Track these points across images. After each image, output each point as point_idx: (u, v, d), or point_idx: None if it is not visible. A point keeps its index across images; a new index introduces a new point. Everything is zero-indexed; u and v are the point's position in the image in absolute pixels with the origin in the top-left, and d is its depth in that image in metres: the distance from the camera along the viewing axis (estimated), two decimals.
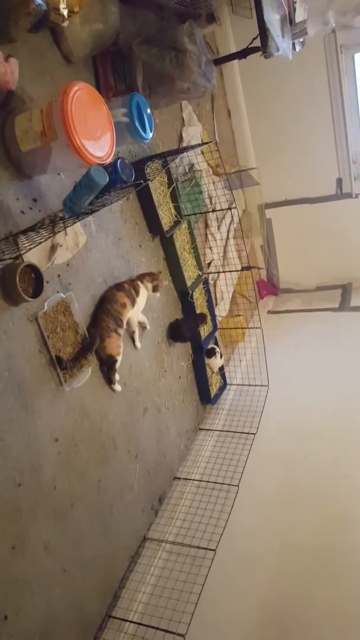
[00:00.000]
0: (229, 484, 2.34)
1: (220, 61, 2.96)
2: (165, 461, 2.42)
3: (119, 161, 1.58)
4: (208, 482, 2.42)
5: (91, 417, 1.83)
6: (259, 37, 2.40)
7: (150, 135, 1.90)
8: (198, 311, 2.74)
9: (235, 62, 3.34)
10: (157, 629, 1.76)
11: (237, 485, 2.31)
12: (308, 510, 2.27)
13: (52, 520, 1.59)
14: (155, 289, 2.18)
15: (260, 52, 2.48)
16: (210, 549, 2.01)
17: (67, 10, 1.53)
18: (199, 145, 2.57)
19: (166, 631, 1.73)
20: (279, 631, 1.83)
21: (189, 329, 2.60)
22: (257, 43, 2.46)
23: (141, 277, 2.16)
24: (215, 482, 2.40)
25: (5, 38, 1.50)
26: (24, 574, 1.46)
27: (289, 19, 2.60)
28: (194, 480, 2.48)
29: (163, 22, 2.50)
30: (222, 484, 2.37)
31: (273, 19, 2.38)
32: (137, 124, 1.81)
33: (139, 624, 1.83)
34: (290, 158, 3.73)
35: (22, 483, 1.47)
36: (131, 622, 1.85)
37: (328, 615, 1.86)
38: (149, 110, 1.91)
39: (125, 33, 2.05)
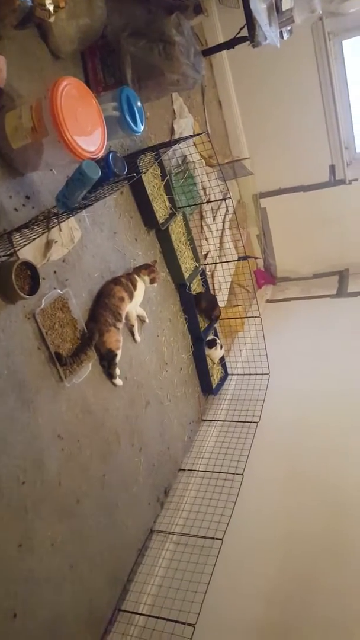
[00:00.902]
0: (234, 473, 2.36)
1: (208, 52, 2.94)
2: (169, 453, 2.43)
3: (110, 155, 1.58)
4: (213, 472, 2.44)
5: (93, 412, 1.84)
6: (246, 26, 2.38)
7: (142, 128, 1.89)
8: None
9: (224, 52, 3.33)
10: (167, 620, 1.78)
11: (242, 474, 2.32)
12: (313, 497, 2.28)
13: (57, 517, 1.60)
14: (152, 281, 2.18)
15: (248, 42, 2.46)
16: (217, 539, 2.03)
17: (53, 5, 1.52)
18: (191, 136, 2.56)
19: (176, 622, 1.75)
20: (287, 618, 1.85)
21: (207, 299, 2.73)
22: (245, 33, 2.45)
23: (137, 270, 2.16)
24: (219, 472, 2.41)
25: None
26: (31, 571, 1.47)
27: (275, 8, 2.57)
28: (198, 471, 2.49)
29: (150, 14, 2.48)
30: (227, 473, 2.39)
31: (260, 8, 2.36)
32: (127, 117, 1.80)
33: (149, 615, 1.85)
34: (283, 146, 3.72)
35: (26, 481, 1.47)
36: (141, 614, 1.86)
37: (335, 602, 1.87)
38: (139, 103, 1.90)
39: (112, 27, 2.04)
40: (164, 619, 1.79)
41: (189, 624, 1.71)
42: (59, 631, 1.56)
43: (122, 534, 1.96)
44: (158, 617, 1.81)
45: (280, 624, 1.83)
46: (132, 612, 1.87)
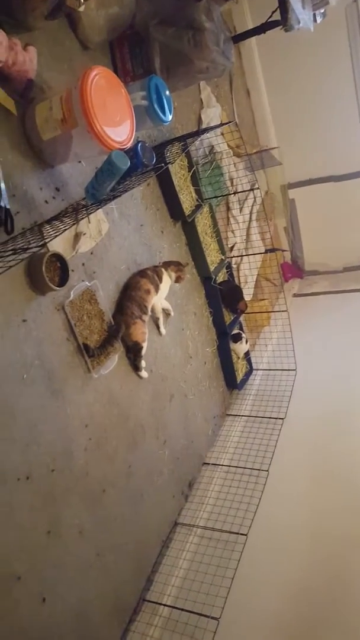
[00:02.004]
0: (259, 469, 2.34)
1: (238, 38, 2.88)
2: (194, 447, 2.43)
3: (139, 145, 1.56)
4: (237, 467, 2.42)
5: (119, 404, 1.84)
6: (278, 10, 2.32)
7: (170, 117, 1.87)
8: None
9: (253, 39, 3.26)
10: (192, 612, 1.78)
11: (267, 470, 2.30)
12: (340, 495, 2.25)
13: (85, 505, 1.62)
14: (177, 280, 2.17)
15: (280, 26, 2.40)
16: (241, 534, 2.02)
17: None
18: (219, 125, 2.52)
19: (200, 614, 1.75)
20: (314, 613, 1.83)
21: (231, 289, 2.75)
22: (277, 17, 2.38)
23: (166, 264, 2.16)
24: (244, 468, 2.40)
25: (22, 27, 1.49)
26: (59, 557, 1.49)
27: None
28: (222, 465, 2.48)
29: (179, 1, 2.45)
30: (252, 469, 2.37)
31: None
32: (156, 106, 1.78)
33: (173, 607, 1.85)
34: (313, 135, 3.63)
35: (55, 469, 1.49)
36: (165, 605, 1.87)
37: None
38: (167, 92, 1.88)
39: (141, 15, 2.01)
40: (188, 611, 1.79)
41: (213, 618, 1.71)
42: (86, 617, 1.58)
43: (146, 525, 1.98)
44: (182, 609, 1.81)
45: (306, 619, 1.82)
46: (157, 603, 1.88)
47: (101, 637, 1.66)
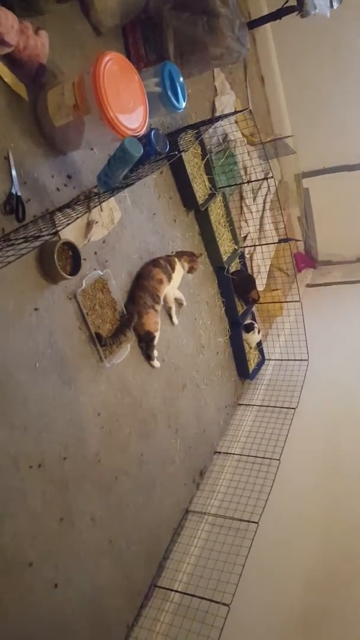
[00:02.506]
0: (270, 458, 2.34)
1: (253, 25, 2.83)
2: (205, 436, 2.43)
3: (152, 132, 1.55)
4: (249, 456, 2.43)
5: (132, 393, 1.85)
6: None
7: (183, 104, 1.84)
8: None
9: (268, 26, 3.20)
10: (203, 598, 1.80)
11: (279, 460, 2.30)
12: (352, 484, 2.24)
13: (97, 493, 1.63)
14: (190, 270, 2.16)
15: (296, 12, 2.35)
16: (253, 522, 2.03)
17: None
18: (233, 113, 2.48)
19: (211, 600, 1.77)
20: (325, 601, 1.84)
21: (243, 278, 2.76)
22: (293, 2, 2.34)
23: (180, 254, 2.15)
24: (256, 457, 2.40)
25: (34, 10, 1.47)
26: (71, 544, 1.51)
27: None
28: (234, 454, 2.49)
29: None
30: (264, 457, 2.37)
31: None
32: (169, 93, 1.75)
33: (184, 593, 1.87)
34: (328, 124, 3.57)
35: (68, 457, 1.50)
36: (176, 591, 1.89)
37: None
38: (181, 79, 1.85)
39: (154, 0, 1.98)
40: (199, 597, 1.81)
41: (224, 604, 1.72)
42: (98, 602, 1.60)
43: (158, 512, 1.99)
44: (193, 595, 1.83)
45: (316, 607, 1.82)
46: (168, 589, 1.89)
47: (113, 622, 1.68)
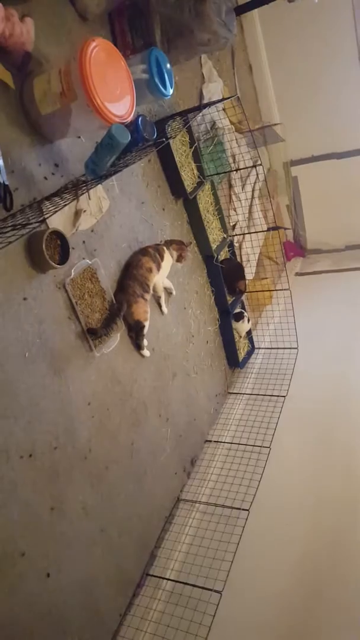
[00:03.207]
0: (260, 446, 2.36)
1: (240, 10, 2.80)
2: (196, 424, 2.45)
3: (140, 119, 1.53)
4: (239, 444, 2.45)
5: (122, 382, 1.85)
6: None
7: (171, 91, 1.82)
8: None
9: (256, 12, 3.18)
10: (195, 586, 1.82)
11: (269, 447, 2.32)
12: (341, 470, 2.28)
13: (88, 482, 1.64)
14: (179, 259, 2.16)
15: None
16: (243, 509, 2.05)
17: None
18: (221, 100, 2.46)
19: (203, 588, 1.78)
20: (317, 587, 1.86)
21: (232, 267, 2.76)
22: None
23: (169, 242, 2.14)
24: (246, 445, 2.42)
25: None
26: (63, 533, 1.51)
27: None
28: (224, 442, 2.51)
29: None
30: (254, 445, 2.39)
31: None
32: (157, 80, 1.73)
33: (176, 581, 1.89)
34: (317, 111, 3.57)
35: (58, 446, 1.51)
36: (168, 579, 1.91)
37: None
38: (168, 66, 1.83)
39: None
40: (191, 585, 1.83)
41: (216, 591, 1.74)
42: (91, 592, 1.62)
43: (149, 501, 2.00)
44: (185, 583, 1.85)
45: (308, 593, 1.85)
46: (160, 577, 1.92)
47: (105, 611, 1.69)
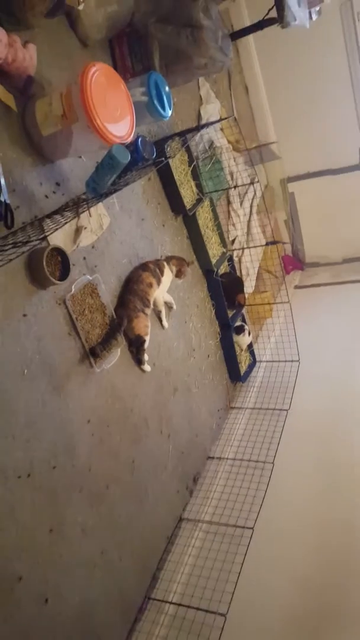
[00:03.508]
0: (264, 462, 2.33)
1: (236, 36, 2.88)
2: (198, 440, 2.43)
3: (139, 139, 1.56)
4: (242, 460, 2.41)
5: (122, 398, 1.84)
6: (275, 7, 2.33)
7: (170, 113, 1.87)
8: None
9: (251, 37, 3.27)
10: (198, 609, 1.76)
11: (272, 463, 2.30)
12: (347, 486, 2.24)
13: (88, 502, 1.61)
14: (178, 274, 2.17)
15: (277, 23, 2.40)
16: (247, 528, 2.01)
17: None
18: (218, 120, 2.52)
19: (207, 611, 1.73)
20: (323, 607, 1.82)
21: (228, 277, 2.75)
22: (274, 14, 2.39)
23: (169, 258, 2.17)
24: (249, 460, 2.39)
25: (22, 24, 1.49)
26: (62, 556, 1.47)
27: None
28: (227, 459, 2.48)
29: (177, 0, 2.45)
30: (257, 461, 2.36)
31: None
32: (156, 102, 1.78)
33: (179, 604, 1.83)
34: (311, 130, 3.64)
35: (57, 465, 1.48)
36: (171, 603, 1.85)
37: None
38: (167, 88, 1.88)
39: (139, 13, 2.01)
40: (194, 608, 1.77)
41: (220, 614, 1.69)
42: (91, 617, 1.57)
43: (151, 521, 1.97)
44: (188, 606, 1.79)
45: (314, 613, 1.81)
46: (162, 601, 1.85)
47: (106, 638, 1.64)
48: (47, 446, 1.46)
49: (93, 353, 1.64)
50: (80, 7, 1.58)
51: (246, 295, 2.91)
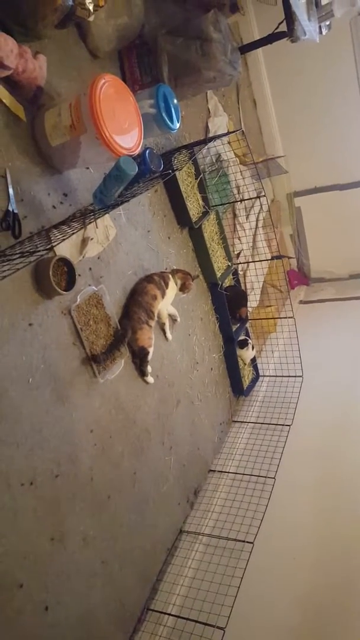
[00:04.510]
0: (265, 476, 2.31)
1: (245, 49, 2.91)
2: (200, 453, 2.41)
3: (147, 151, 1.58)
4: (244, 474, 2.40)
5: (125, 409, 1.84)
6: (284, 22, 2.35)
7: (177, 125, 1.88)
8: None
9: (260, 51, 3.30)
10: (197, 622, 1.75)
11: (274, 478, 2.28)
12: (348, 502, 2.22)
13: (89, 512, 1.61)
14: (182, 288, 2.18)
15: (287, 37, 2.42)
16: (248, 542, 2.00)
17: (92, 4, 1.53)
18: (226, 134, 2.54)
19: (206, 624, 1.72)
20: (322, 623, 1.80)
21: (232, 291, 2.76)
22: (283, 28, 2.41)
23: (175, 271, 2.17)
24: (251, 475, 2.38)
25: (33, 35, 1.51)
26: (63, 565, 1.47)
27: (315, 2, 2.54)
28: (229, 472, 2.46)
29: (186, 12, 2.48)
30: (258, 476, 2.34)
31: (299, 1, 2.32)
32: (164, 114, 1.79)
33: (178, 616, 1.83)
34: (319, 145, 3.66)
35: (60, 474, 1.49)
36: (170, 614, 1.85)
37: None
38: (175, 101, 1.90)
39: (149, 25, 2.04)
40: (193, 620, 1.76)
41: (219, 627, 1.68)
42: (90, 626, 1.56)
43: (151, 532, 1.96)
44: (187, 619, 1.78)
45: (314, 629, 1.79)
46: (162, 612, 1.85)
47: None
48: (51, 455, 1.46)
49: (95, 359, 1.64)
50: (91, 19, 1.60)
51: (249, 310, 2.90)
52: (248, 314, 2.86)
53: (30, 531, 1.36)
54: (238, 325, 2.86)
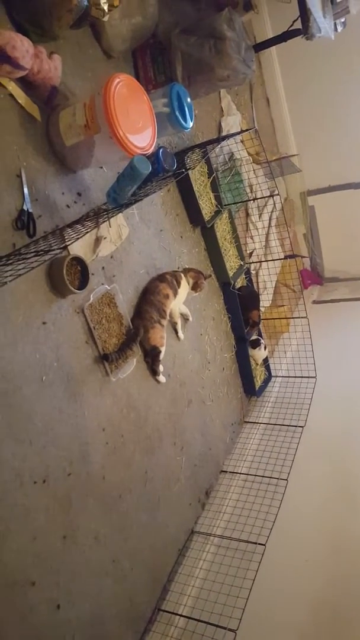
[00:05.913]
0: (278, 478, 2.30)
1: (258, 48, 2.89)
2: (211, 454, 2.40)
3: (161, 150, 1.57)
4: (256, 475, 2.39)
5: (137, 408, 1.84)
6: (299, 19, 2.33)
7: (191, 124, 1.88)
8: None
9: (274, 49, 3.27)
10: (208, 623, 1.74)
11: (287, 479, 2.26)
12: None
13: (101, 511, 1.61)
14: (194, 287, 2.17)
15: (301, 35, 2.40)
16: (260, 544, 1.98)
17: (107, 4, 1.53)
18: (239, 132, 2.53)
19: (217, 626, 1.71)
20: (334, 627, 1.78)
21: (244, 291, 2.74)
22: (297, 25, 2.39)
23: (187, 270, 2.16)
24: (263, 476, 2.36)
25: (47, 35, 1.52)
26: (75, 563, 1.48)
27: None
28: (240, 473, 2.45)
29: (200, 11, 2.47)
30: (271, 477, 2.33)
31: None
32: (177, 113, 1.79)
33: (189, 617, 1.82)
34: (333, 143, 3.62)
35: (72, 472, 1.49)
36: (181, 615, 1.84)
37: None
38: (189, 100, 1.89)
39: (163, 25, 2.04)
40: (204, 622, 1.75)
41: (230, 630, 1.67)
42: (101, 625, 1.57)
43: (162, 532, 1.96)
44: (198, 620, 1.78)
45: (326, 632, 1.77)
46: (172, 613, 1.84)
47: None
48: (63, 453, 1.46)
49: (106, 358, 1.64)
50: (105, 19, 1.60)
51: (262, 309, 2.88)
52: (260, 316, 2.84)
53: (43, 529, 1.36)
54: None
